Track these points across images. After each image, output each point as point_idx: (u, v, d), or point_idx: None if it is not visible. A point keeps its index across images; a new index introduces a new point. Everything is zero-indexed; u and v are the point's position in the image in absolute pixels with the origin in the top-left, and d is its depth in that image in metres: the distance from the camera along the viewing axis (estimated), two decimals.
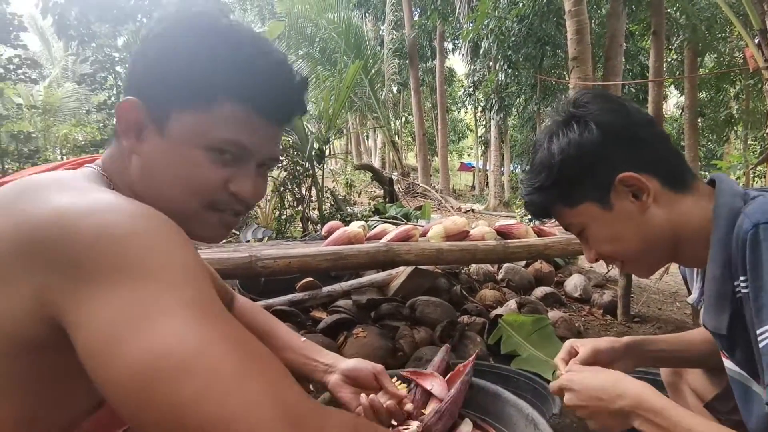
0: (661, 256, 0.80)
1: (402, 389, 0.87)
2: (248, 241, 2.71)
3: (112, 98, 3.41)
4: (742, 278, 0.63)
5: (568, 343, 0.98)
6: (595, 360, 0.91)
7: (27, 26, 3.56)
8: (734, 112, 11.54)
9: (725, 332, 0.71)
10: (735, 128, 12.03)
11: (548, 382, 1.68)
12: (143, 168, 0.58)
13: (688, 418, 0.66)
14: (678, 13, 8.95)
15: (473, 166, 24.39)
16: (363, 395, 0.85)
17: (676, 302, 3.25)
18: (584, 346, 0.94)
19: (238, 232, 2.93)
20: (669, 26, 8.50)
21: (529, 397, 1.51)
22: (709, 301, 0.74)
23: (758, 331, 0.59)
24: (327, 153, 4.10)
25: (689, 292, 1.00)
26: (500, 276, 3.09)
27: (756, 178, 12.61)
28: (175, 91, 0.56)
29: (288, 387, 0.42)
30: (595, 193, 0.77)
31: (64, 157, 5.10)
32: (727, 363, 0.78)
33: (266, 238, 2.85)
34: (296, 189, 3.46)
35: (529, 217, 3.51)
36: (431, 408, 1.28)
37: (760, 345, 0.58)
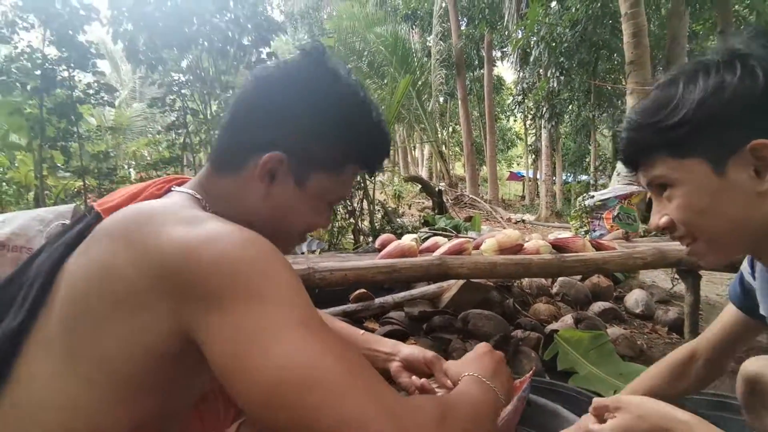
0: (745, 247, 0.71)
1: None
2: (303, 253, 2.81)
3: (180, 118, 3.66)
4: None
5: (596, 402, 0.83)
6: None
7: (102, 53, 3.91)
8: None
9: None
10: None
11: None
12: (272, 206, 0.68)
13: None
14: (747, 10, 8.38)
15: (523, 176, 23.79)
16: (414, 378, 0.91)
17: None
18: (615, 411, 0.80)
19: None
20: (737, 24, 7.97)
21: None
22: None
23: None
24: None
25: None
26: (555, 290, 3.01)
27: None
28: (318, 159, 0.68)
29: (385, 389, 0.49)
30: (715, 151, 0.64)
31: (135, 174, 5.51)
32: None
33: (319, 250, 2.94)
34: (348, 202, 3.55)
35: (585, 230, 3.39)
36: None
37: None
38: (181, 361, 0.53)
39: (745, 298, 0.92)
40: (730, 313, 0.97)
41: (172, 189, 0.69)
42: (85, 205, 3.08)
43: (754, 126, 0.62)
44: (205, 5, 3.77)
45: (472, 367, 0.75)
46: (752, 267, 0.88)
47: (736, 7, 8.03)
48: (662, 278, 3.60)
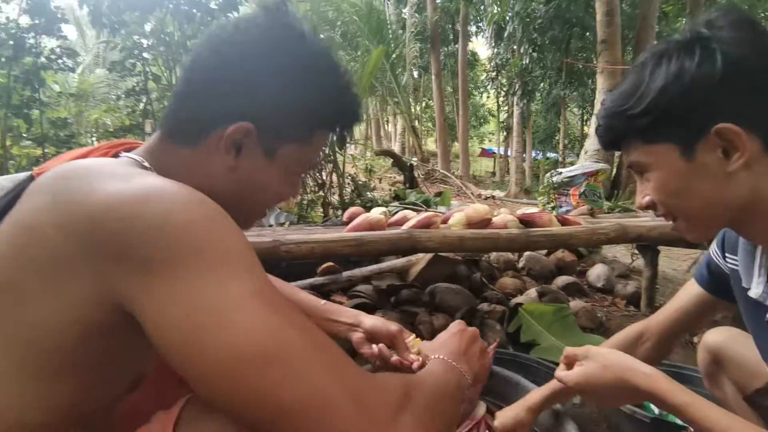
0: (721, 222, 0.73)
1: (416, 343, 0.91)
2: (271, 226, 2.75)
3: (140, 84, 3.47)
4: None
5: (565, 352, 0.94)
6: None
7: (67, 17, 3.66)
8: None
9: None
10: None
11: None
12: (238, 180, 0.63)
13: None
14: None
15: (494, 152, 24.05)
16: (374, 347, 0.92)
17: None
18: (582, 359, 0.90)
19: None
20: (707, 5, 8.13)
21: None
22: None
23: None
24: (349, 139, 4.09)
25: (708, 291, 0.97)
26: (521, 264, 3.07)
27: None
28: (287, 127, 0.64)
29: (348, 365, 0.47)
30: (682, 135, 0.66)
31: (96, 142, 5.24)
32: None
33: (288, 223, 2.89)
34: (318, 174, 3.48)
35: (552, 205, 3.45)
36: None
37: None
38: (113, 336, 0.48)
39: (711, 280, 0.96)
40: (693, 293, 1.01)
41: (120, 155, 0.63)
42: None
43: (717, 109, 0.63)
44: None
45: (444, 347, 0.75)
46: (722, 250, 0.90)
47: None
48: (623, 253, 3.73)
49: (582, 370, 0.82)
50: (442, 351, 0.73)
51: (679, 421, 1.28)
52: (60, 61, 3.30)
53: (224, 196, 0.61)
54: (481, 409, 1.30)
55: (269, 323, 0.44)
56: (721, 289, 0.93)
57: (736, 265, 0.84)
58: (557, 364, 1.69)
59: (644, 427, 1.25)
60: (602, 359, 0.80)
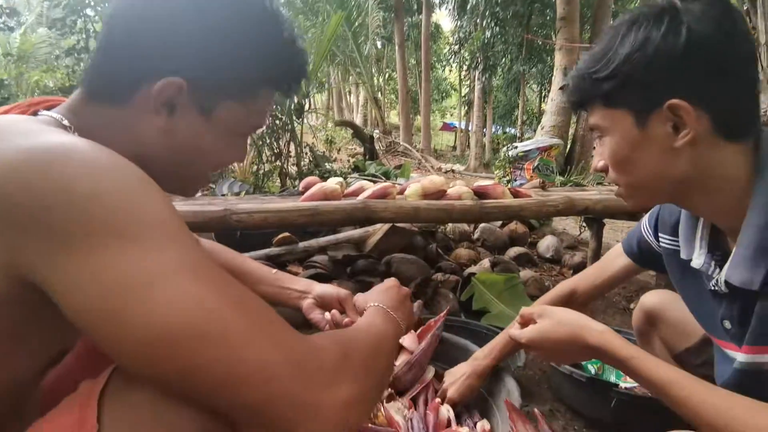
0: (666, 196, 0.76)
1: None
2: (224, 195, 2.67)
3: (81, 42, 3.20)
4: None
5: (521, 312, 0.97)
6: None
7: None
8: None
9: (758, 288, 0.65)
10: None
11: None
12: (173, 143, 0.59)
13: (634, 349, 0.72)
14: None
15: (455, 126, 24.22)
16: (327, 313, 0.92)
17: None
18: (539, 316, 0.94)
19: (213, 186, 2.87)
20: None
21: None
22: (745, 253, 0.67)
23: None
24: (307, 107, 3.99)
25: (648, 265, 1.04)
26: (476, 235, 3.15)
27: None
28: (227, 83, 0.59)
29: (286, 332, 0.46)
30: (638, 104, 0.68)
31: None
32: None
33: (243, 192, 2.81)
34: (274, 143, 3.39)
35: (508, 179, 3.54)
36: (402, 359, 1.33)
37: None
38: (25, 309, 0.45)
39: (640, 254, 1.03)
40: (622, 264, 1.10)
41: (39, 113, 0.57)
42: None
43: (674, 84, 0.64)
44: None
45: (379, 298, 0.76)
46: (656, 231, 0.95)
47: None
48: (572, 226, 3.89)
49: (537, 327, 0.86)
50: (379, 301, 0.74)
51: (612, 379, 1.39)
52: (0, 20, 2.98)
53: (158, 161, 0.58)
54: (430, 373, 1.35)
55: (197, 296, 0.41)
56: (649, 261, 1.01)
57: (670, 245, 0.88)
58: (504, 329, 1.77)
59: (581, 386, 1.34)
60: (557, 317, 0.85)
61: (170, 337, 0.40)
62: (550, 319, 0.85)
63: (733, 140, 0.66)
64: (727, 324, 0.74)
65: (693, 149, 0.66)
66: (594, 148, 0.83)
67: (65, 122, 0.54)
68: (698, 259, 0.78)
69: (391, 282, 0.85)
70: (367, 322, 0.68)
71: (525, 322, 0.92)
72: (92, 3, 3.19)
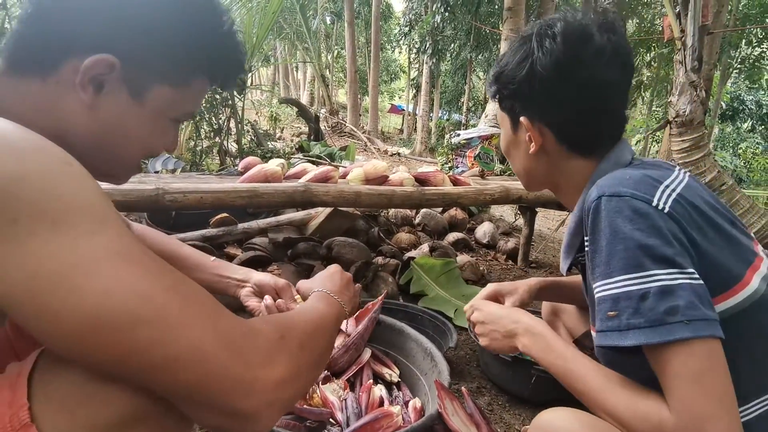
0: (538, 185, 0.91)
1: (301, 299, 0.93)
2: (157, 172, 2.53)
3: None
4: (586, 237, 0.71)
5: (491, 288, 1.08)
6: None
7: None
8: (644, 78, 12.45)
9: (564, 274, 0.87)
10: (643, 94, 13.04)
11: (450, 319, 1.83)
12: (98, 123, 0.56)
13: (560, 343, 0.77)
14: None
15: (403, 110, 24.30)
16: (264, 298, 0.93)
17: None
18: (507, 296, 1.07)
19: (146, 162, 2.71)
20: None
21: (431, 332, 1.64)
22: (563, 247, 0.86)
23: (593, 285, 0.68)
24: (250, 83, 3.83)
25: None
26: (417, 220, 3.22)
27: (654, 143, 13.99)
28: (161, 68, 0.58)
29: (221, 315, 0.46)
30: (510, 113, 0.84)
31: None
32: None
33: (178, 170, 2.68)
34: (213, 119, 3.24)
35: (450, 165, 3.63)
36: (339, 342, 1.36)
37: (595, 296, 0.67)
38: None
39: None
40: None
41: None
42: None
43: (522, 103, 0.81)
44: None
45: (323, 284, 0.79)
46: None
47: None
48: (509, 213, 4.09)
49: (492, 308, 0.95)
50: (322, 286, 0.77)
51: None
52: None
53: (80, 142, 0.55)
54: (366, 355, 1.39)
55: (128, 282, 0.41)
56: None
57: None
58: (440, 313, 1.85)
59: (506, 365, 1.43)
60: (504, 311, 0.93)
61: (102, 325, 0.39)
62: (503, 310, 0.93)
63: (579, 154, 0.80)
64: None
65: (546, 156, 0.82)
66: None
67: None
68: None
69: (333, 268, 0.87)
70: (309, 305, 0.70)
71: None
72: None
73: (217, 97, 3.25)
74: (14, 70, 0.53)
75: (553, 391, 1.31)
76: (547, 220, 4.28)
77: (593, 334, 0.74)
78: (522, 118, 0.81)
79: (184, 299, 0.44)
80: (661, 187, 0.67)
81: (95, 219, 0.42)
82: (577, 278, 1.15)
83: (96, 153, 0.57)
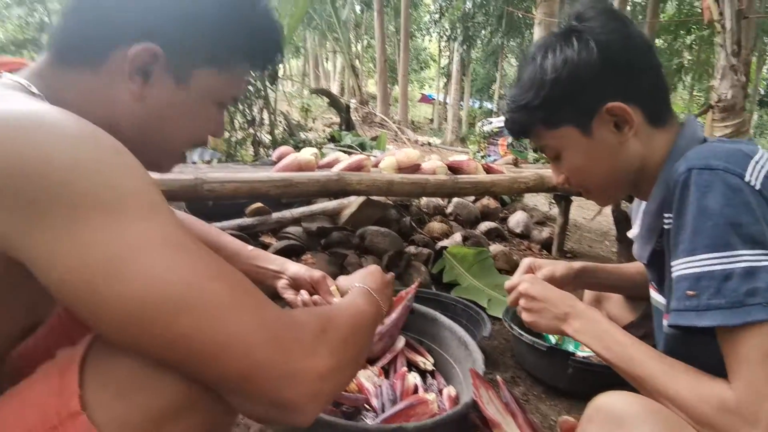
0: (625, 188, 0.84)
1: (337, 290, 0.93)
2: (195, 163, 2.60)
3: None
4: (667, 215, 0.69)
5: (528, 260, 1.06)
6: (550, 282, 0.97)
7: None
8: (685, 62, 11.86)
9: (646, 262, 0.80)
10: (684, 78, 12.43)
11: (483, 309, 1.82)
12: (147, 111, 0.58)
13: (617, 329, 0.75)
14: None
15: (434, 99, 24.04)
16: (300, 293, 0.94)
17: (605, 241, 3.52)
18: (543, 268, 1.04)
19: None
20: None
21: (464, 322, 1.63)
22: (641, 233, 0.81)
23: (672, 264, 0.66)
24: (282, 74, 3.87)
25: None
26: (449, 210, 3.19)
27: None
28: (202, 53, 0.58)
29: (266, 306, 0.47)
30: (579, 117, 0.76)
31: None
32: (653, 293, 0.87)
33: (214, 160, 2.75)
34: (247, 110, 3.29)
35: (482, 154, 3.57)
36: None
37: (673, 276, 0.66)
38: None
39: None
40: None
41: (1, 75, 0.54)
42: None
43: (603, 90, 0.74)
44: None
45: (363, 280, 0.78)
46: None
47: None
48: (542, 202, 3.99)
49: (542, 283, 0.90)
50: (363, 283, 0.77)
51: (570, 349, 1.47)
52: None
53: (131, 131, 0.57)
54: (400, 343, 1.39)
55: (176, 268, 0.42)
56: None
57: None
58: (474, 302, 1.83)
59: (541, 355, 1.41)
60: (557, 291, 0.88)
61: (150, 309, 0.40)
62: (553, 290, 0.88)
63: (660, 126, 0.77)
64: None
65: (636, 140, 0.76)
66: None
67: (33, 89, 0.51)
68: (635, 228, 0.88)
69: (374, 267, 0.87)
70: (350, 300, 0.70)
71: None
72: None
73: (251, 88, 3.30)
74: (63, 61, 0.55)
75: (592, 382, 1.28)
76: (582, 209, 4.16)
77: (664, 320, 0.72)
78: (610, 105, 0.73)
79: (230, 288, 0.45)
80: (752, 162, 0.64)
81: (145, 206, 0.43)
82: (625, 266, 1.12)
83: (144, 142, 0.58)
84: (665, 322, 0.75)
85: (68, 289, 0.40)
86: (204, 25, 0.57)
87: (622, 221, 2.34)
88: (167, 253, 0.42)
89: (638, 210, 0.91)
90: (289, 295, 0.95)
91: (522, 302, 0.90)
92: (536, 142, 0.85)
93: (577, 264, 1.07)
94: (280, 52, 0.68)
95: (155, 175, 0.57)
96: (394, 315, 1.39)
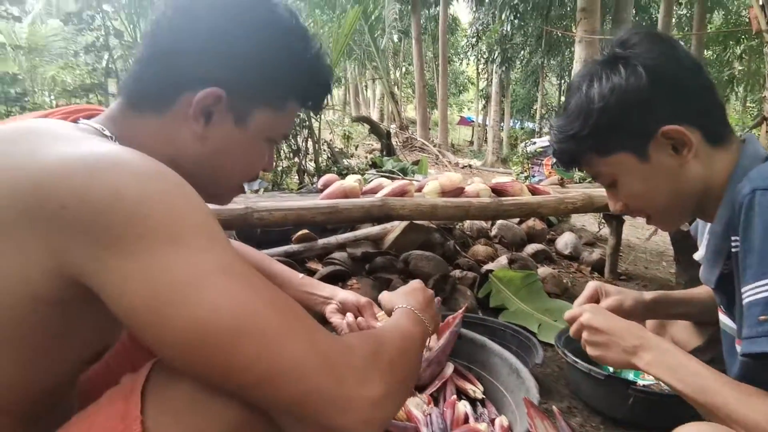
0: (689, 210, 0.81)
1: (383, 317, 0.94)
2: (243, 193, 2.72)
3: (101, 39, 3.26)
4: (734, 238, 0.66)
5: (594, 285, 1.01)
6: (617, 313, 0.90)
7: None
8: (737, 72, 11.27)
9: (713, 286, 0.77)
10: (736, 89, 11.80)
11: (534, 334, 1.75)
12: (209, 150, 0.62)
13: (691, 359, 0.71)
14: None
15: (473, 121, 23.99)
16: (346, 315, 0.95)
17: (662, 262, 3.33)
18: (610, 296, 0.99)
19: None
20: None
21: (514, 348, 1.58)
22: (707, 256, 0.78)
23: (742, 290, 0.63)
24: (325, 103, 4.00)
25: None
26: (493, 232, 3.14)
27: None
28: (260, 93, 0.62)
29: (319, 332, 0.48)
30: (633, 143, 0.75)
31: (54, 102, 4.95)
32: (722, 317, 0.83)
33: (262, 189, 2.86)
34: (292, 140, 3.43)
35: (525, 175, 3.51)
36: None
37: (743, 302, 0.63)
38: (66, 309, 0.47)
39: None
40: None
41: (79, 121, 0.60)
42: None
43: (656, 114, 0.72)
44: None
45: (406, 300, 0.77)
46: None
47: None
48: (591, 222, 3.85)
49: (607, 313, 0.85)
50: (406, 302, 0.76)
51: (630, 377, 1.38)
52: (2, 8, 2.98)
53: (193, 167, 0.60)
54: (449, 369, 1.37)
55: (236, 296, 0.44)
56: None
57: None
58: (524, 328, 1.78)
59: (599, 383, 1.34)
60: (624, 321, 0.83)
61: (211, 334, 0.42)
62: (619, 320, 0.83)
63: (720, 145, 0.74)
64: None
65: (696, 162, 0.74)
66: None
67: (106, 132, 0.57)
68: (701, 250, 0.85)
69: (416, 284, 0.86)
70: (396, 323, 0.70)
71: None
72: None
73: (296, 119, 3.44)
74: (134, 107, 0.60)
75: (655, 412, 1.20)
76: (635, 229, 3.97)
77: (737, 346, 0.69)
78: (666, 128, 0.72)
79: (283, 314, 0.46)
80: None
81: (206, 237, 0.46)
82: (695, 292, 1.05)
83: (204, 177, 0.62)
84: (738, 349, 0.70)
85: (136, 314, 0.43)
86: (264, 69, 0.61)
87: (680, 241, 2.22)
88: (227, 281, 0.44)
89: (703, 231, 0.87)
90: (335, 318, 0.97)
91: (585, 335, 0.84)
92: (588, 171, 0.84)
93: (648, 295, 1.01)
94: (330, 93, 0.72)
95: (212, 206, 0.61)
96: (441, 341, 1.37)
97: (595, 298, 1.00)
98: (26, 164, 0.44)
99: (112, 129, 0.58)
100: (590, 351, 0.84)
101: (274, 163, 3.55)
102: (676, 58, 0.73)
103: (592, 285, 1.01)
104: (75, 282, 0.45)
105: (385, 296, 0.90)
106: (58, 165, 0.44)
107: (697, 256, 0.86)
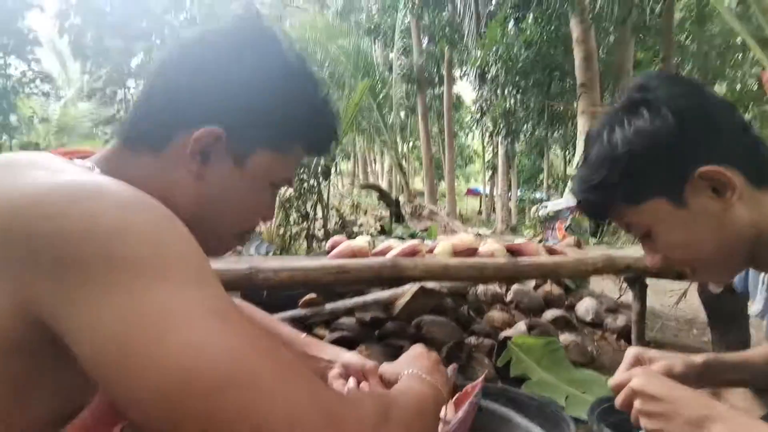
0: (740, 260, 0.73)
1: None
2: (251, 255, 2.67)
3: (120, 112, 3.43)
4: None
5: (635, 350, 0.86)
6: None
7: (43, 44, 3.63)
8: None
9: None
10: None
11: (562, 408, 1.58)
12: (204, 189, 0.57)
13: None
14: (688, 41, 9.01)
15: (480, 192, 24.40)
16: (348, 381, 0.86)
17: (693, 329, 3.13)
18: (655, 361, 0.84)
19: (241, 247, 2.89)
20: (680, 53, 8.54)
21: (541, 421, 1.42)
22: (764, 309, 0.72)
23: None
24: (334, 171, 4.08)
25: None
26: (509, 298, 3.00)
27: None
28: (262, 135, 0.59)
29: (319, 386, 0.43)
30: (666, 188, 0.68)
31: None
32: None
33: (270, 254, 2.81)
34: (302, 206, 3.43)
35: (539, 239, 3.44)
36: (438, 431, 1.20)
37: None
38: (29, 360, 0.41)
39: None
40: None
41: (73, 160, 0.56)
42: None
43: (688, 155, 0.66)
44: (159, 1, 3.61)
45: (410, 366, 0.71)
46: None
47: (679, 37, 8.61)
48: (610, 288, 3.69)
49: (663, 379, 0.72)
50: (411, 368, 0.69)
51: None
52: (33, 84, 3.19)
53: (187, 207, 0.56)
54: None
55: (224, 339, 0.38)
56: None
57: None
58: (550, 399, 1.61)
59: None
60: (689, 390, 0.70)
61: (191, 383, 0.36)
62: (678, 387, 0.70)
63: (764, 188, 0.67)
64: None
65: (742, 205, 0.66)
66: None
67: (96, 170, 0.53)
68: (758, 304, 0.77)
69: (418, 348, 0.79)
70: (406, 386, 0.62)
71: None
72: (133, 73, 3.44)
73: (305, 186, 3.47)
74: (129, 147, 0.57)
75: None
76: (656, 294, 3.78)
77: None
78: (703, 169, 0.65)
79: (279, 365, 0.40)
80: None
81: (192, 274, 0.41)
82: (752, 354, 0.93)
83: (199, 220, 0.57)
84: None
85: (105, 360, 0.37)
86: (267, 109, 0.58)
87: (713, 305, 2.08)
88: (213, 323, 0.38)
89: (756, 283, 0.79)
90: (337, 385, 0.88)
91: (638, 404, 0.70)
92: (619, 222, 0.76)
93: (699, 358, 0.87)
94: (336, 140, 0.68)
95: (212, 264, 0.55)
96: (460, 413, 1.22)
97: (637, 365, 0.86)
98: (4, 192, 0.40)
99: (103, 168, 0.54)
100: (646, 423, 0.69)
101: (283, 228, 3.55)
102: (702, 95, 0.69)
103: (632, 351, 0.86)
104: (40, 325, 0.38)
105: (386, 367, 0.82)
106: (32, 191, 0.40)
107: (753, 311, 0.77)
